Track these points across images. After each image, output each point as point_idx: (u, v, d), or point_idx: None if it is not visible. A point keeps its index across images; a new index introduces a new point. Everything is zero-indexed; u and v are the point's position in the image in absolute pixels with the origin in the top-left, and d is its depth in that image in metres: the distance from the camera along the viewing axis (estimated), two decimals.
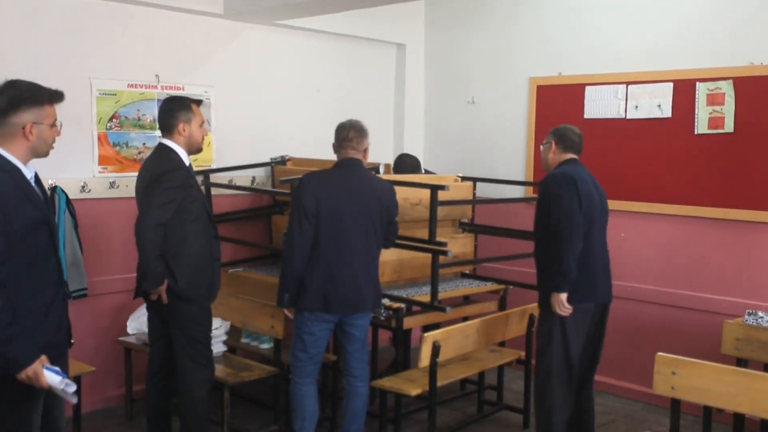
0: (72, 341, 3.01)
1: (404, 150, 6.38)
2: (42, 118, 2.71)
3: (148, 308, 3.88)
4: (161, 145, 3.71)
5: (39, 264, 2.71)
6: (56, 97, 2.77)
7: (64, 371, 2.87)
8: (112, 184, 4.70)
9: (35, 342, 2.69)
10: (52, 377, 2.68)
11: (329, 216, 3.76)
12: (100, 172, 4.69)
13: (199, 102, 3.79)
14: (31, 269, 2.69)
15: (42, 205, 2.74)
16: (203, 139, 3.78)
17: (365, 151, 3.97)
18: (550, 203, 3.83)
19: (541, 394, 3.96)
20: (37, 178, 2.80)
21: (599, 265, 3.95)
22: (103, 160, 4.70)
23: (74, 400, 2.84)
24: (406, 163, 5.44)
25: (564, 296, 3.79)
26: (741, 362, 4.05)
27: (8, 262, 2.61)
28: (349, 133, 3.90)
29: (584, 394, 4.05)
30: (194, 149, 3.75)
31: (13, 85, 2.70)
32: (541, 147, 4.18)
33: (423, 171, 5.62)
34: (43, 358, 2.67)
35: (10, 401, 2.72)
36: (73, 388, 2.75)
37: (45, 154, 2.80)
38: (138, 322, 4.45)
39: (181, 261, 3.61)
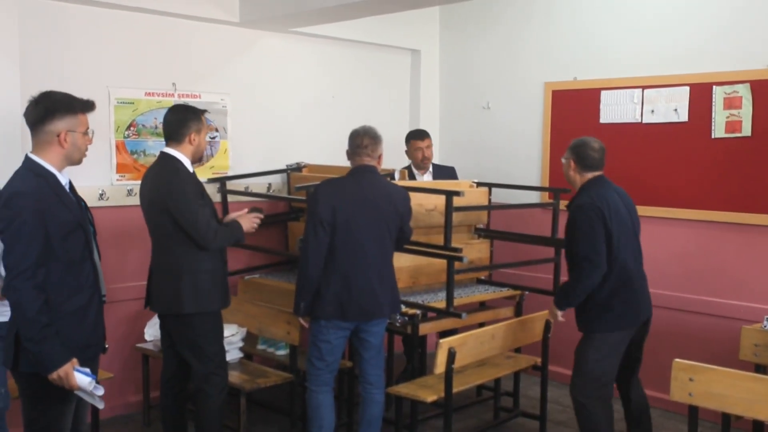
0: (106, 345, 3.13)
1: None
2: (75, 126, 2.89)
3: (159, 316, 3.92)
4: (165, 155, 3.70)
5: (76, 267, 2.86)
6: (88, 106, 2.94)
7: (94, 374, 2.95)
8: (129, 192, 4.74)
9: (72, 343, 2.82)
10: (81, 378, 2.80)
11: (344, 223, 3.76)
12: (118, 180, 4.74)
13: (204, 111, 3.82)
14: (69, 272, 2.84)
15: (76, 210, 2.91)
16: (204, 150, 3.86)
17: (379, 157, 3.97)
18: (575, 234, 3.80)
19: (585, 416, 3.89)
20: (71, 185, 2.97)
21: (639, 287, 3.92)
22: (121, 168, 4.75)
23: (101, 405, 2.94)
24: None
25: (560, 313, 3.99)
26: (759, 368, 4.01)
27: (47, 265, 2.75)
28: (363, 140, 3.90)
29: (635, 392, 4.11)
30: (197, 158, 3.79)
31: (48, 96, 2.88)
32: (563, 160, 4.04)
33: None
34: (74, 360, 2.79)
35: (45, 402, 2.85)
36: (101, 391, 2.87)
37: (78, 162, 2.97)
38: (155, 329, 4.48)
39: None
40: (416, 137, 5.47)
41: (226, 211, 4.98)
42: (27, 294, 2.69)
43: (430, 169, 5.51)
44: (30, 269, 2.69)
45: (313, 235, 3.75)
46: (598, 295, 3.80)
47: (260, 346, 4.83)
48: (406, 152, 5.55)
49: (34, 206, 2.72)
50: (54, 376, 2.74)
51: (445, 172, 5.56)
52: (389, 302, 3.91)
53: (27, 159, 2.86)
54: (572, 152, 3.94)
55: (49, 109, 2.83)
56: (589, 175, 3.91)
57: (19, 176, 2.83)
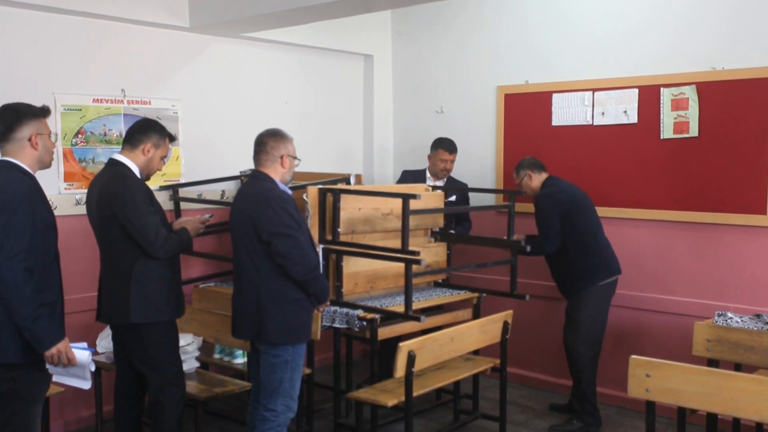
0: None
1: (374, 161, 6.40)
2: (42, 129, 3.04)
3: (111, 327, 3.83)
4: (114, 162, 3.63)
5: (48, 264, 2.99)
6: (47, 111, 3.09)
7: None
8: (78, 201, 4.63)
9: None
10: (81, 353, 2.94)
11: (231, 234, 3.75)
12: (66, 188, 4.61)
13: (173, 138, 3.81)
14: (44, 266, 2.95)
15: (51, 211, 3.06)
16: (156, 171, 3.77)
17: (282, 157, 3.64)
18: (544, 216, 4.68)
19: (579, 369, 4.69)
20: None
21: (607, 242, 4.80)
22: (68, 177, 4.63)
23: (88, 384, 3.05)
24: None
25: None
26: (712, 363, 4.09)
27: (34, 253, 2.88)
28: (261, 138, 3.68)
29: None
30: (145, 175, 3.68)
31: (8, 108, 3.02)
32: (520, 182, 4.84)
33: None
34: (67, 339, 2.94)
35: (19, 402, 2.93)
36: (93, 367, 3.03)
37: (48, 165, 3.13)
38: (107, 341, 4.37)
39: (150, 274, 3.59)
40: (446, 149, 5.43)
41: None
42: (22, 275, 2.81)
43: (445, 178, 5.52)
44: (24, 252, 2.83)
45: None
46: (586, 249, 4.67)
47: (217, 355, 4.75)
48: (429, 157, 5.54)
49: (27, 195, 2.88)
50: (53, 350, 2.87)
51: (458, 186, 5.55)
52: (248, 327, 3.61)
53: (4, 161, 2.97)
54: (526, 167, 4.82)
55: (16, 116, 2.97)
56: (544, 175, 4.81)
57: (3, 171, 2.92)
